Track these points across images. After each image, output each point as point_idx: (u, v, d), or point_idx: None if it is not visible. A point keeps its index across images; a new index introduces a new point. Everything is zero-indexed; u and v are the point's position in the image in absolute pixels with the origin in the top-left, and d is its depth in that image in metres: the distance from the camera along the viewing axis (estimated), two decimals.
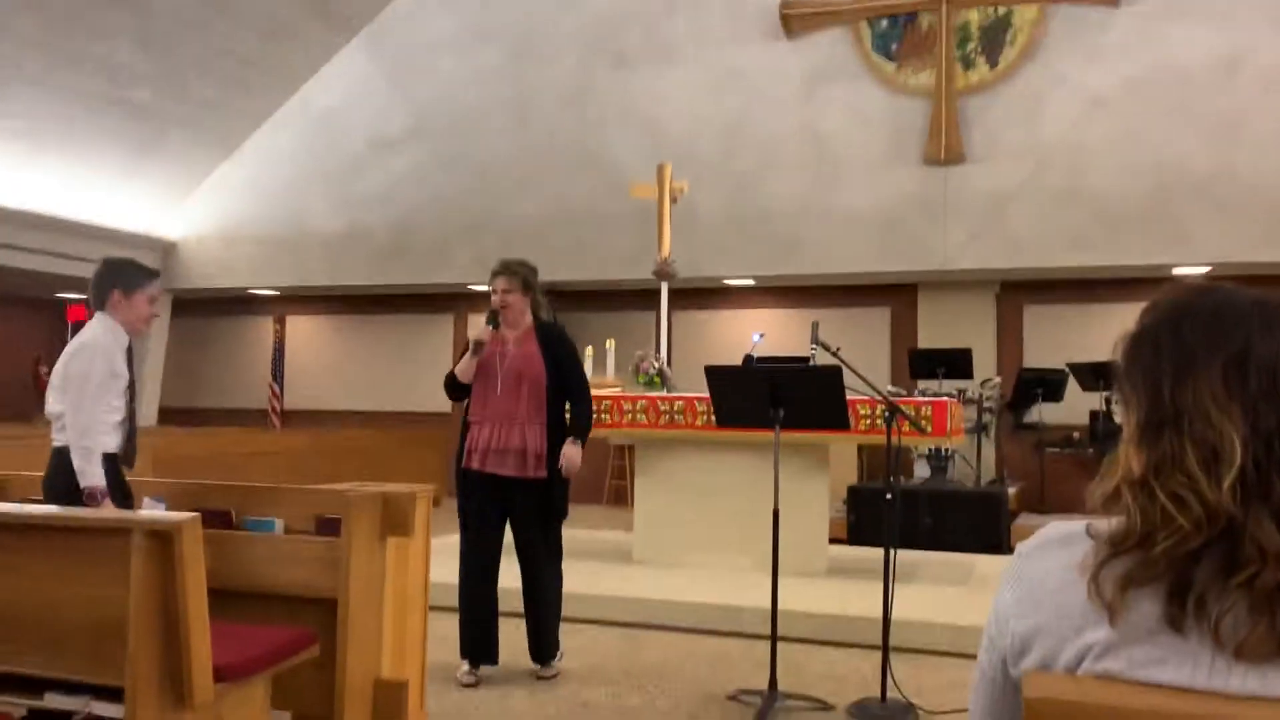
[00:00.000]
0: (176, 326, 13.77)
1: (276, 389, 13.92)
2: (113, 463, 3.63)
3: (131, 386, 3.74)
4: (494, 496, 4.48)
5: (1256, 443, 1.07)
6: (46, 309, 15.34)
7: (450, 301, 12.71)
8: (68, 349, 3.69)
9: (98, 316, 3.72)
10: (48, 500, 3.53)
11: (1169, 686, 1.09)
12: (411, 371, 13.22)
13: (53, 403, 3.64)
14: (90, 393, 3.55)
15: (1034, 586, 1.17)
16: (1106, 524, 1.14)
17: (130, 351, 3.77)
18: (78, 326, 15.79)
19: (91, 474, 3.51)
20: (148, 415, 13.21)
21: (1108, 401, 9.02)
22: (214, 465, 7.51)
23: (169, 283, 13.09)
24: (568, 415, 4.61)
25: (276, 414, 13.87)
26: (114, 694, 2.72)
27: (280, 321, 14.04)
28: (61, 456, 3.57)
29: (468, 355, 4.50)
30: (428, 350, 13.15)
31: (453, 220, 11.69)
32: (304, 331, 14.06)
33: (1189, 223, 9.28)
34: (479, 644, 4.49)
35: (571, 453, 4.52)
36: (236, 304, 14.07)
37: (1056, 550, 1.18)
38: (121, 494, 3.62)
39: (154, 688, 2.71)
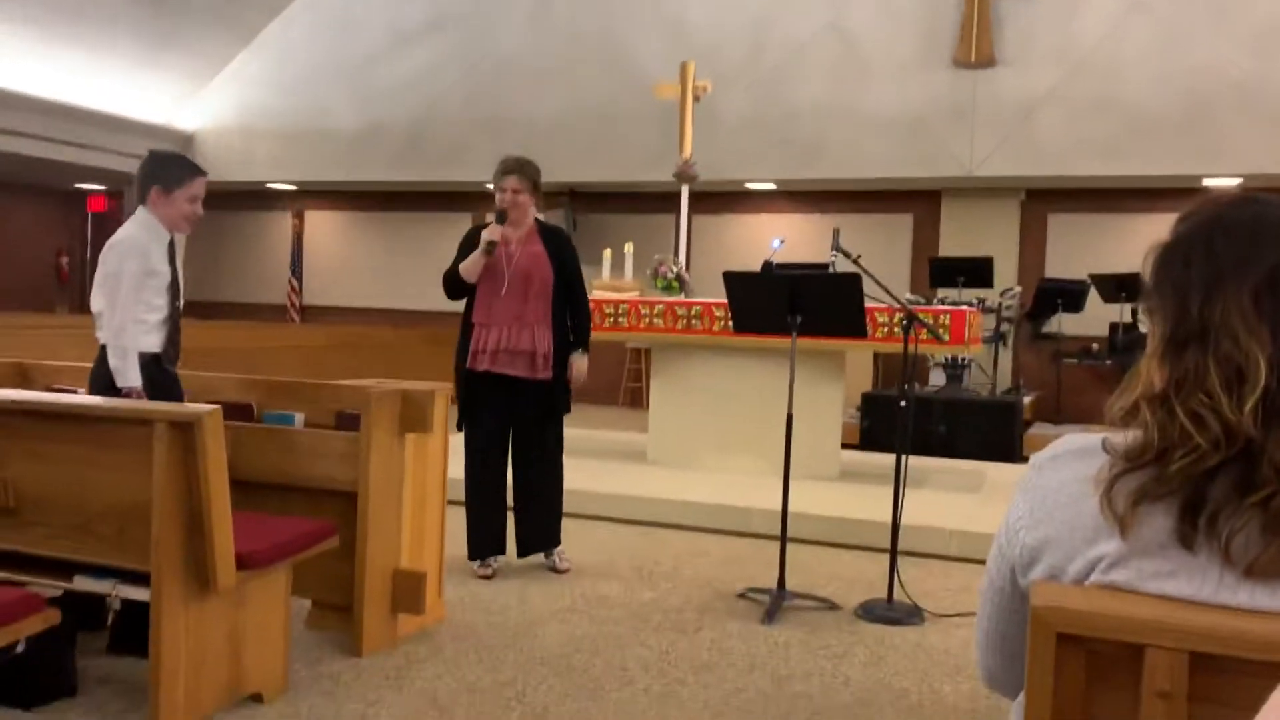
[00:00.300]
0: None
1: (295, 284, 13.95)
2: (156, 362, 3.59)
3: (174, 284, 3.67)
4: (502, 396, 4.53)
5: None
6: (67, 199, 15.34)
7: (468, 200, 12.61)
8: (106, 246, 3.62)
9: (138, 211, 3.64)
10: (93, 395, 3.53)
11: (1177, 599, 1.11)
12: (430, 269, 13.11)
13: (94, 300, 3.60)
14: (124, 292, 3.48)
15: (1046, 498, 1.18)
16: (1123, 438, 1.13)
17: (172, 248, 3.70)
18: (98, 217, 15.85)
19: (127, 374, 3.46)
20: None
21: (1133, 313, 8.94)
22: (233, 359, 7.58)
23: None
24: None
25: (295, 309, 13.94)
26: (141, 578, 2.80)
27: (299, 216, 14.01)
28: (105, 354, 3.54)
29: (477, 255, 4.46)
30: (446, 249, 12.97)
31: (471, 117, 11.53)
32: (323, 227, 14.03)
33: (1223, 132, 9.06)
34: (487, 541, 4.57)
35: (580, 365, 4.59)
36: (255, 197, 14.02)
37: (1071, 462, 1.18)
38: (168, 393, 3.57)
39: (179, 573, 2.79)
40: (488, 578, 4.50)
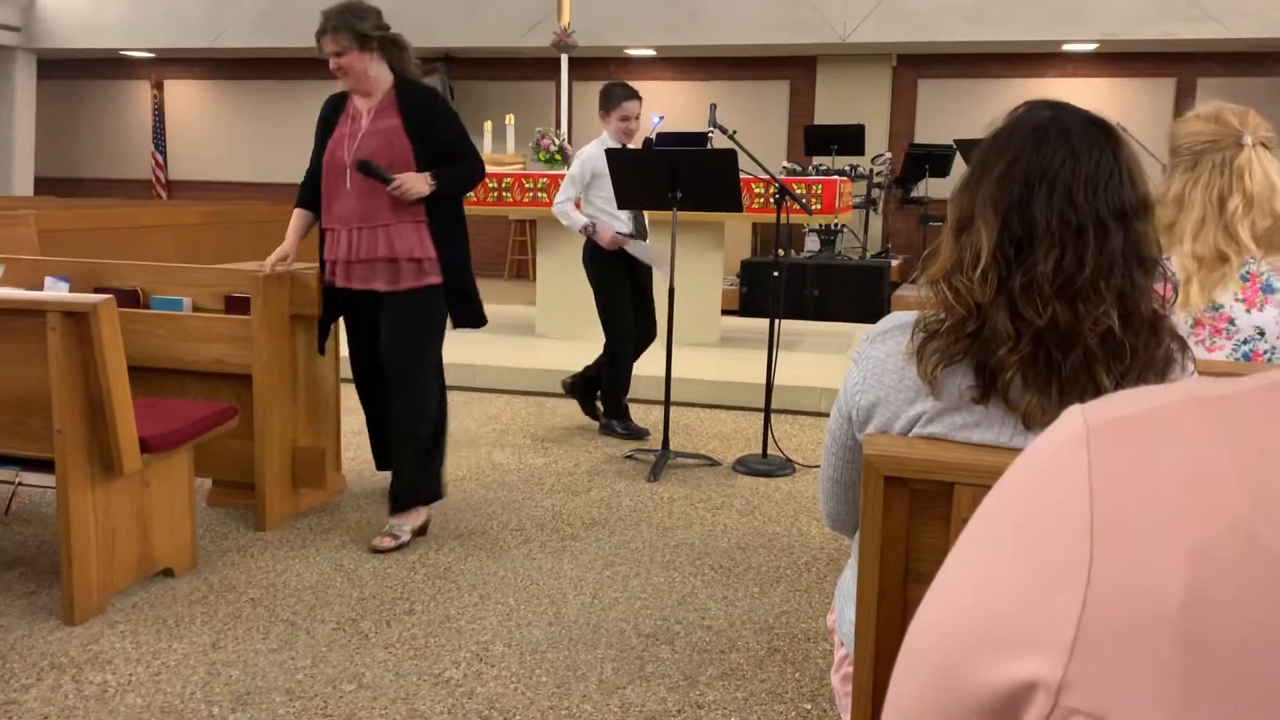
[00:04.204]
0: (45, 89, 12.96)
1: (159, 158, 13.38)
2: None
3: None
4: (363, 317, 3.65)
5: (1003, 243, 1.28)
6: None
7: None
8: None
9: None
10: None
11: (981, 445, 1.35)
12: (299, 139, 12.73)
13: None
14: None
15: (875, 367, 1.41)
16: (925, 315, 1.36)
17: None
18: None
19: None
20: (23, 184, 12.63)
21: None
22: (103, 240, 7.34)
23: (29, 41, 12.22)
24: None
25: (161, 184, 13.40)
26: (45, 465, 2.87)
27: (158, 86, 13.32)
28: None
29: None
30: (315, 118, 12.72)
31: None
32: (184, 97, 13.39)
33: None
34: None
35: (412, 182, 3.40)
36: (109, 65, 13.25)
37: (897, 336, 1.40)
38: None
39: (83, 459, 2.87)
40: None
